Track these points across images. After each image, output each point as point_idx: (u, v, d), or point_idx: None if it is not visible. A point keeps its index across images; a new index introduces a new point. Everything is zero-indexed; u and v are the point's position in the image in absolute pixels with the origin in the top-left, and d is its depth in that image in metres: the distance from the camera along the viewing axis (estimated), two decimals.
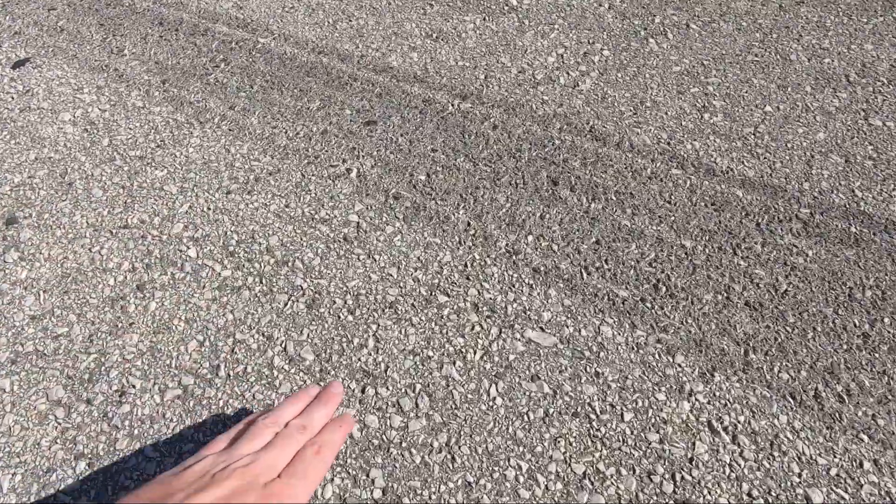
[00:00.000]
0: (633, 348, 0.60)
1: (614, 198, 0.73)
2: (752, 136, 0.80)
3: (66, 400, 0.58)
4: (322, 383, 0.59)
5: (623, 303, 0.63)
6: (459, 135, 0.81)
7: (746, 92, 0.86)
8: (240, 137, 0.82)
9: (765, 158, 0.77)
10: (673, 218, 0.71)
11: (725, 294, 0.64)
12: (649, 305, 0.63)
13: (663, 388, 0.57)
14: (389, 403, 0.56)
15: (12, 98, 0.88)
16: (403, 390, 0.57)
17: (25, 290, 0.66)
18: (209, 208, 0.73)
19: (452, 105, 0.85)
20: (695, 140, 0.79)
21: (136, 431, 0.56)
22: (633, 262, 0.67)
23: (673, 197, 0.73)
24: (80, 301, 0.65)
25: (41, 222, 0.72)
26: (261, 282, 0.66)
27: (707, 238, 0.69)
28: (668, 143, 0.79)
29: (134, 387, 0.58)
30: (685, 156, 0.77)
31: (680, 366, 0.59)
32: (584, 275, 0.66)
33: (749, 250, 0.68)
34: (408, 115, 0.84)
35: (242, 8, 1.02)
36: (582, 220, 0.71)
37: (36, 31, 0.99)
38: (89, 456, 0.54)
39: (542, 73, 0.89)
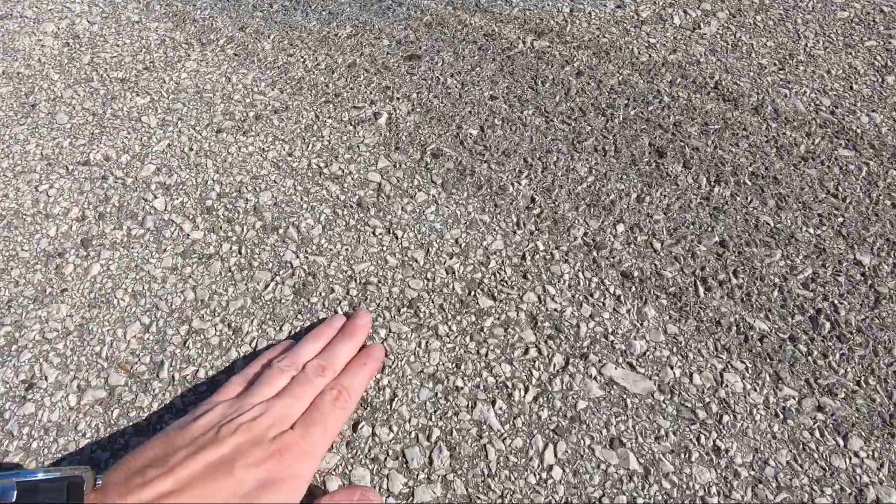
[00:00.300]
0: (776, 415, 0.38)
1: (749, 182, 0.50)
2: None
3: None
4: (349, 311, 0.43)
5: (761, 341, 0.41)
6: (530, 80, 0.59)
7: None
8: (245, 64, 0.64)
9: None
10: (842, 219, 0.47)
11: None
12: (804, 349, 0.40)
13: (828, 490, 0.35)
14: (390, 453, 0.37)
15: None
16: (414, 435, 0.38)
17: None
18: (191, 149, 0.56)
19: (524, 42, 0.63)
20: (874, 111, 0.54)
21: (34, 445, 0.39)
22: (777, 280, 0.44)
23: (841, 188, 0.49)
24: (8, 253, 0.49)
25: None
26: (239, 252, 0.48)
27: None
28: (832, 113, 0.54)
29: (46, 378, 0.42)
30: (858, 131, 0.53)
31: (857, 455, 0.36)
32: (701, 290, 0.44)
33: None
34: (463, 51, 0.63)
35: None
36: (700, 209, 0.48)
37: None
38: None
39: (650, 8, 0.66)
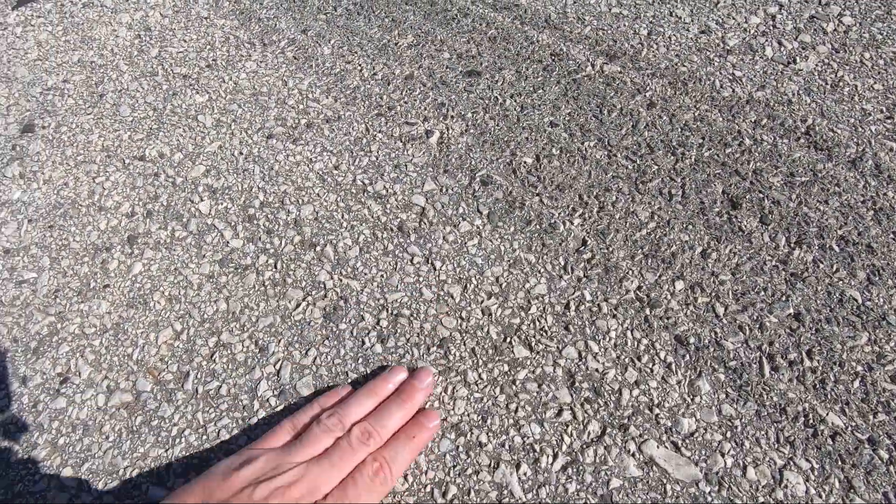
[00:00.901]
0: None
1: (837, 248, 0.44)
2: None
3: (0, 370, 0.44)
4: (412, 365, 0.41)
5: (833, 438, 0.36)
6: (595, 108, 0.55)
7: None
8: (303, 69, 0.63)
9: None
10: None
11: None
12: (885, 455, 0.35)
13: None
14: None
15: None
16: (429, 489, 0.36)
17: (10, 215, 0.53)
18: (241, 153, 0.56)
19: (593, 65, 0.59)
20: None
21: (61, 441, 0.40)
22: (860, 368, 0.38)
23: None
24: (61, 242, 0.51)
25: (56, 136, 0.59)
26: (275, 266, 0.47)
27: None
28: None
29: (80, 374, 0.43)
30: None
31: None
32: (767, 369, 0.39)
33: None
34: (526, 71, 0.59)
35: None
36: (774, 273, 0.43)
37: None
38: None
39: (739, 36, 0.60)
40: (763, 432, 0.36)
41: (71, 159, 0.57)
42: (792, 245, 0.44)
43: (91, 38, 0.70)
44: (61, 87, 0.64)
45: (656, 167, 0.50)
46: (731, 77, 0.56)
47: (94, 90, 0.64)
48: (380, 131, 0.56)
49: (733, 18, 0.62)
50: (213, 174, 0.54)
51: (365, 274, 0.46)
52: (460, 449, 0.37)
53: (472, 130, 0.55)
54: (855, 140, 0.50)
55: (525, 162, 0.52)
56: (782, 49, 0.58)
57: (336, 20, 0.69)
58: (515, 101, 0.57)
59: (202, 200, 0.52)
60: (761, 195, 0.47)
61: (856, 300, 0.41)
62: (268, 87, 0.62)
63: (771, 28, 0.61)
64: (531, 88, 0.58)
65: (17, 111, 0.62)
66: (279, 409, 0.40)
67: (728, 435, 0.36)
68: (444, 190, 0.51)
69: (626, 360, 0.40)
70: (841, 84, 0.54)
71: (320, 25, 0.68)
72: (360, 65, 0.63)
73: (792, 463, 0.35)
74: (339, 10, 0.70)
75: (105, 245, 0.50)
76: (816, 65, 0.56)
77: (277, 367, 0.42)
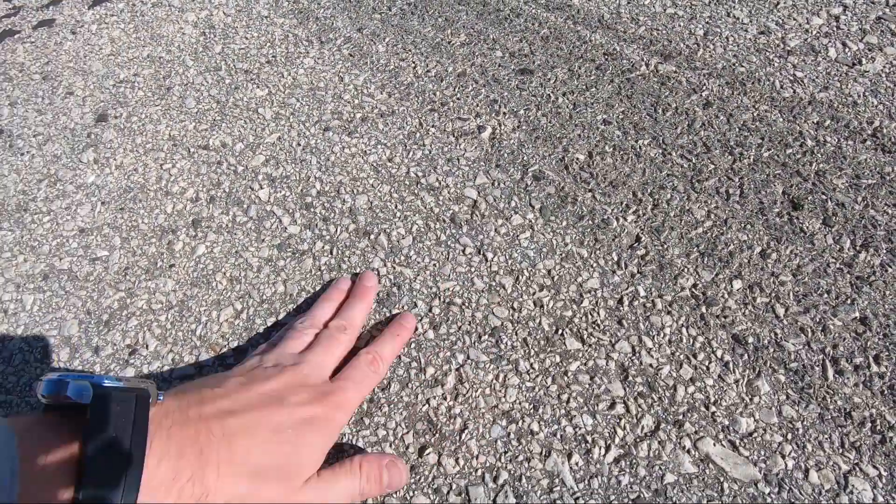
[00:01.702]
0: None
1: None
2: None
3: (75, 340, 0.46)
4: (352, 274, 0.47)
5: None
6: (650, 107, 0.55)
7: None
8: (359, 65, 0.65)
9: None
10: None
11: None
12: None
13: None
14: (454, 487, 0.36)
15: None
16: (480, 473, 0.36)
17: (85, 197, 0.57)
18: (299, 144, 0.58)
19: (647, 65, 0.59)
20: None
21: None
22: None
23: None
24: (131, 223, 0.54)
25: (127, 125, 0.63)
26: (331, 252, 0.49)
27: None
28: None
29: (147, 347, 0.45)
30: None
31: None
32: (831, 372, 0.38)
33: None
34: (579, 70, 0.59)
35: None
36: (839, 275, 0.42)
37: None
38: None
39: (800, 37, 0.59)
40: (826, 436, 0.35)
41: (140, 147, 0.60)
42: (857, 248, 0.43)
43: (160, 36, 0.74)
44: (132, 80, 0.68)
45: (713, 166, 0.49)
46: (791, 78, 0.55)
47: (161, 83, 0.67)
48: (433, 126, 0.57)
49: (794, 19, 0.61)
50: (272, 164, 0.56)
51: (418, 262, 0.47)
52: (511, 436, 0.37)
53: (524, 127, 0.55)
54: None
55: (577, 158, 0.52)
56: (847, 50, 0.57)
57: (391, 19, 0.71)
58: (568, 98, 0.57)
59: (262, 188, 0.54)
60: (824, 197, 0.46)
61: None
62: (324, 83, 0.64)
63: (835, 29, 0.59)
64: (584, 87, 0.58)
65: (91, 102, 0.66)
66: None
67: (789, 437, 0.36)
68: (495, 184, 0.51)
69: (682, 356, 0.39)
70: None
71: (375, 24, 0.70)
72: (413, 62, 0.64)
73: (858, 469, 0.34)
74: (393, 10, 0.72)
75: (171, 227, 0.53)
76: (884, 66, 0.55)
77: None
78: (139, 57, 0.71)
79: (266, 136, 0.59)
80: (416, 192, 0.52)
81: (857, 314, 0.40)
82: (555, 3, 0.68)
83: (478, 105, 0.58)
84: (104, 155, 0.60)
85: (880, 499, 0.33)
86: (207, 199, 0.54)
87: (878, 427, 0.35)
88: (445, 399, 0.39)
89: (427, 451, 0.37)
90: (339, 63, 0.66)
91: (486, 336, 0.42)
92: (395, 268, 0.47)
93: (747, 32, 0.60)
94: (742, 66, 0.57)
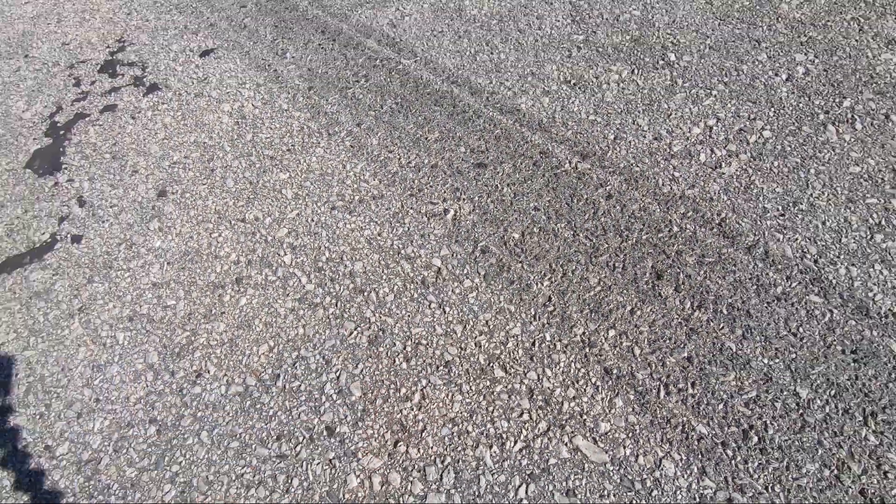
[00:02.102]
0: (694, 499, 0.52)
1: (725, 311, 0.63)
2: None
3: (157, 365, 0.66)
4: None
5: (699, 441, 0.55)
6: (568, 197, 0.76)
7: None
8: (357, 156, 0.86)
9: None
10: (794, 355, 0.59)
11: (836, 471, 0.52)
12: (730, 454, 0.54)
13: None
14: (416, 467, 0.56)
15: (193, 83, 1.03)
16: (433, 458, 0.56)
17: (155, 259, 0.77)
18: (313, 220, 0.78)
19: (570, 163, 0.80)
20: (853, 265, 0.65)
21: (199, 414, 0.62)
22: (725, 396, 0.57)
23: (802, 329, 0.61)
24: (190, 280, 0.74)
25: (183, 200, 0.84)
26: (336, 304, 0.69)
27: (833, 393, 0.56)
28: (816, 261, 0.66)
29: (209, 372, 0.65)
30: (833, 281, 0.64)
31: None
32: (663, 393, 0.58)
33: (888, 425, 0.54)
34: (520, 165, 0.81)
35: (396, 27, 1.07)
36: (679, 327, 0.62)
37: (226, 25, 1.14)
38: (159, 423, 0.62)
39: (682, 144, 0.80)
40: (655, 434, 0.56)
41: (194, 219, 0.81)
42: (694, 308, 0.64)
43: (203, 123, 0.95)
44: (183, 161, 0.89)
45: (606, 245, 0.70)
46: (671, 177, 0.76)
47: (207, 165, 0.88)
48: (412, 208, 0.78)
49: (680, 128, 0.82)
50: (293, 235, 0.77)
51: (397, 314, 0.67)
52: (454, 434, 0.57)
53: (477, 210, 0.76)
54: (753, 231, 0.69)
55: (513, 237, 0.73)
56: (713, 155, 0.78)
57: (382, 116, 0.92)
58: (510, 188, 0.78)
59: (286, 254, 0.75)
60: (679, 270, 0.67)
61: (731, 349, 0.60)
62: (332, 169, 0.85)
63: (707, 137, 0.80)
64: (523, 179, 0.79)
65: (153, 179, 0.87)
66: (337, 402, 0.61)
67: (630, 434, 0.56)
68: (454, 255, 0.72)
69: (569, 382, 0.60)
70: (752, 187, 0.74)
71: (370, 120, 0.92)
72: (399, 154, 0.85)
73: (669, 456, 0.54)
74: (384, 108, 0.93)
75: (220, 283, 0.73)
76: (737, 170, 0.76)
77: (338, 374, 0.63)
78: (188, 142, 0.92)
79: (288, 212, 0.80)
80: (397, 260, 0.72)
81: (686, 354, 0.61)
82: (507, 108, 0.89)
83: (445, 191, 0.79)
84: (166, 224, 0.81)
85: (679, 474, 0.53)
86: (246, 262, 0.75)
87: (686, 429, 0.56)
88: (413, 410, 0.59)
89: (399, 444, 0.57)
90: (343, 153, 0.87)
91: (442, 367, 0.62)
92: (381, 317, 0.67)
93: (645, 138, 0.82)
94: (637, 166, 0.78)
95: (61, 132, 0.96)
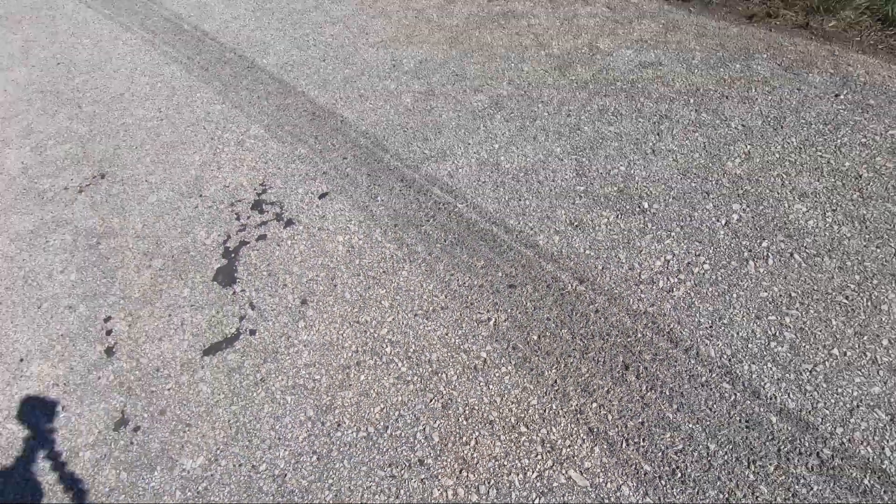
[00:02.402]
0: None
1: (667, 392, 1.00)
2: (808, 373, 0.98)
3: (313, 417, 1.08)
4: None
5: (644, 475, 0.91)
6: (569, 311, 1.16)
7: (820, 331, 1.03)
8: (430, 277, 1.29)
9: (810, 395, 0.95)
10: (708, 422, 0.95)
11: (727, 496, 0.87)
12: (664, 483, 0.89)
13: None
14: (473, 486, 0.94)
15: (316, 219, 1.51)
16: (484, 480, 0.95)
17: (304, 347, 1.21)
18: (403, 323, 1.21)
19: (571, 286, 1.20)
20: (753, 363, 1.01)
21: (341, 448, 1.03)
22: (663, 447, 0.93)
23: (715, 406, 0.97)
24: (327, 362, 1.17)
25: (318, 306, 1.29)
26: (420, 381, 1.10)
27: (730, 447, 0.92)
28: (729, 360, 1.02)
29: (345, 422, 1.07)
30: (739, 374, 1.00)
31: None
32: (624, 444, 0.95)
33: (762, 468, 0.89)
34: (538, 286, 1.22)
35: (452, 177, 1.53)
36: (637, 402, 1.00)
37: (334, 173, 1.63)
38: (318, 454, 1.03)
39: (648, 273, 1.19)
40: (618, 469, 0.92)
41: (326, 320, 1.25)
42: (648, 390, 1.01)
43: (325, 250, 1.42)
44: (315, 278, 1.35)
45: (593, 345, 1.09)
46: (639, 298, 1.15)
47: (331, 282, 1.33)
48: (467, 316, 1.19)
49: (647, 261, 1.22)
50: (391, 333, 1.20)
51: (460, 388, 1.08)
52: (496, 466, 0.96)
53: (510, 319, 1.17)
54: (690, 338, 1.06)
55: (533, 338, 1.13)
56: (668, 282, 1.17)
57: (445, 248, 1.36)
58: (531, 303, 1.19)
59: (387, 347, 1.17)
60: (639, 364, 1.05)
61: (669, 417, 0.97)
62: (414, 287, 1.28)
63: (665, 268, 1.19)
64: (539, 297, 1.20)
65: (297, 291, 1.33)
66: (425, 444, 1.01)
67: (603, 469, 0.93)
68: (495, 350, 1.12)
69: (566, 435, 0.98)
70: (692, 306, 1.11)
71: (437, 251, 1.36)
72: (457, 277, 1.28)
73: (626, 484, 0.91)
74: (447, 241, 1.37)
75: (346, 365, 1.16)
76: (683, 293, 1.14)
77: (423, 427, 1.03)
78: (317, 264, 1.39)
79: (387, 317, 1.23)
80: (458, 352, 1.13)
81: (641, 420, 0.97)
82: (529, 243, 1.31)
83: (488, 305, 1.21)
84: (309, 324, 1.25)
85: (631, 494, 0.89)
86: (361, 351, 1.18)
87: (637, 467, 0.92)
88: (470, 450, 0.98)
89: (462, 471, 0.96)
90: (420, 275, 1.31)
91: (487, 424, 1.02)
92: (449, 391, 1.08)
93: (623, 268, 1.21)
94: (616, 289, 1.17)
95: (232, 255, 1.45)
